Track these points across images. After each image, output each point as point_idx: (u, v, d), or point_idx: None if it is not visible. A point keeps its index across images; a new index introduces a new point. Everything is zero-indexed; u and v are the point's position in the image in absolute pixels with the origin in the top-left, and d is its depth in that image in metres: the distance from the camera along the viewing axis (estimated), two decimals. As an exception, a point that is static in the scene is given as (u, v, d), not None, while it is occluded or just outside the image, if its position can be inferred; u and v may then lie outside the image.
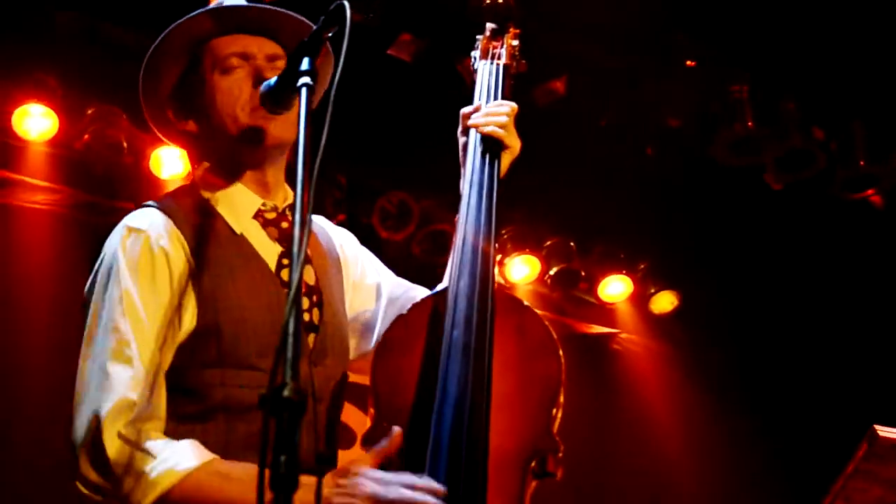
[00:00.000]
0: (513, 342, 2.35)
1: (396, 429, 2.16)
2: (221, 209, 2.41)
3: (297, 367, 1.61)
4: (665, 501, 6.17)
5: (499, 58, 2.81)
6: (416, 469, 2.11)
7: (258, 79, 2.35)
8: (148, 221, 2.32)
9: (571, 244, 6.36)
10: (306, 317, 2.37)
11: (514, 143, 2.60)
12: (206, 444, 2.17)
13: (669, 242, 6.31)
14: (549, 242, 6.31)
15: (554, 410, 2.28)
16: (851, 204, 5.86)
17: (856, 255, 6.11)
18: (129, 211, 5.18)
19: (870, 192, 5.81)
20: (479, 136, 2.58)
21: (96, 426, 2.12)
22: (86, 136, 5.38)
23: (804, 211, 5.98)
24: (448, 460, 2.10)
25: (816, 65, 5.37)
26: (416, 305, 2.43)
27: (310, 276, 2.42)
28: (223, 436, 2.21)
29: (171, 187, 5.53)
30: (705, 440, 6.26)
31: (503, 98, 2.70)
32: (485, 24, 2.91)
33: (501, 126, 2.58)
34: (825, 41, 5.18)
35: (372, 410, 2.28)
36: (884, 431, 3.69)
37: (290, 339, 1.61)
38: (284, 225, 2.43)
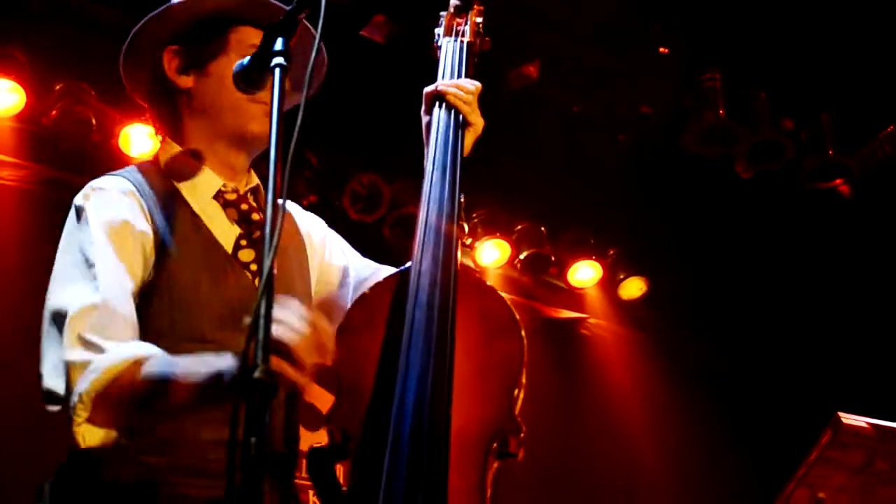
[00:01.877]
0: (475, 323, 2.33)
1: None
2: (182, 187, 2.44)
3: (267, 350, 1.61)
4: (631, 485, 6.22)
5: (463, 35, 2.79)
6: (378, 449, 2.11)
7: None
8: (112, 184, 2.37)
9: (542, 229, 6.38)
10: None
11: (478, 122, 2.60)
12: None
13: (639, 229, 6.35)
14: (519, 227, 6.33)
15: (516, 392, 2.26)
16: (820, 193, 5.92)
17: (823, 245, 6.17)
18: None
19: (838, 181, 5.87)
20: (442, 114, 2.57)
21: (60, 338, 2.16)
22: (53, 112, 5.32)
23: (773, 200, 6.02)
24: (410, 441, 2.10)
25: (786, 56, 5.41)
26: (378, 285, 2.42)
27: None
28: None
29: (138, 165, 5.54)
30: (672, 425, 6.31)
31: (467, 76, 2.69)
32: (449, 1, 2.87)
33: (466, 102, 2.58)
34: (795, 32, 5.23)
35: (335, 390, 2.27)
36: (847, 419, 3.73)
37: (262, 322, 1.61)
38: (244, 207, 2.47)
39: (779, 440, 4.97)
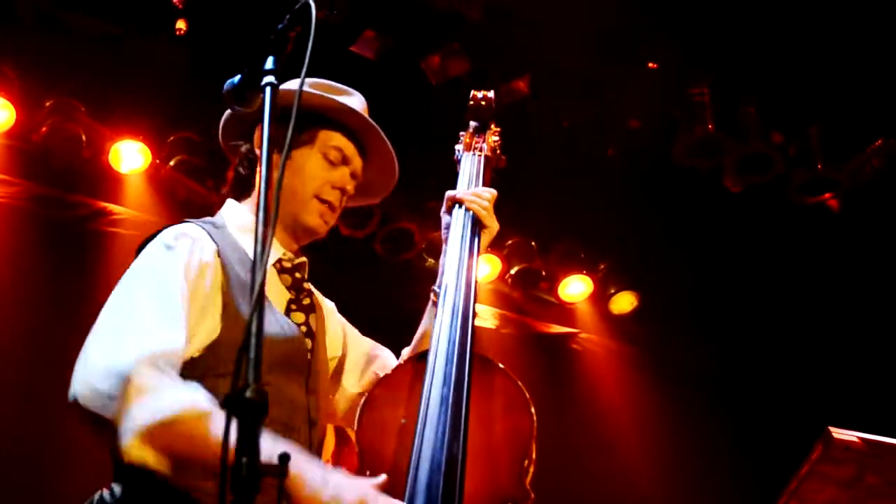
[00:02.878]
0: (488, 399, 2.52)
1: (383, 477, 2.27)
2: (248, 250, 2.57)
3: (258, 369, 1.62)
4: (624, 499, 6.20)
5: (481, 150, 3.09)
6: None
7: (342, 188, 2.73)
8: (198, 234, 2.50)
9: (532, 244, 6.40)
10: (308, 356, 2.58)
11: (493, 225, 2.88)
12: None
13: (629, 243, 6.36)
14: (510, 242, 6.35)
15: (525, 462, 2.44)
16: (809, 207, 5.94)
17: (813, 258, 6.18)
18: (88, 205, 5.14)
19: (827, 195, 5.89)
20: (462, 215, 2.84)
21: (125, 350, 2.18)
22: (44, 129, 5.34)
23: (763, 213, 6.04)
24: None
25: (776, 69, 5.43)
26: (399, 366, 2.66)
27: (314, 323, 2.65)
28: None
29: (130, 182, 5.53)
30: (664, 439, 6.31)
31: (484, 186, 2.98)
32: (468, 122, 3.19)
33: (484, 208, 2.84)
34: (785, 46, 5.25)
35: (356, 461, 2.41)
36: (838, 433, 3.73)
37: (253, 340, 1.62)
38: (298, 275, 2.71)
39: (770, 454, 4.96)
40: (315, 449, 2.50)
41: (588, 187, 5.83)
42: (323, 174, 2.70)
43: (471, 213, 2.84)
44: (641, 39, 5.36)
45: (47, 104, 5.34)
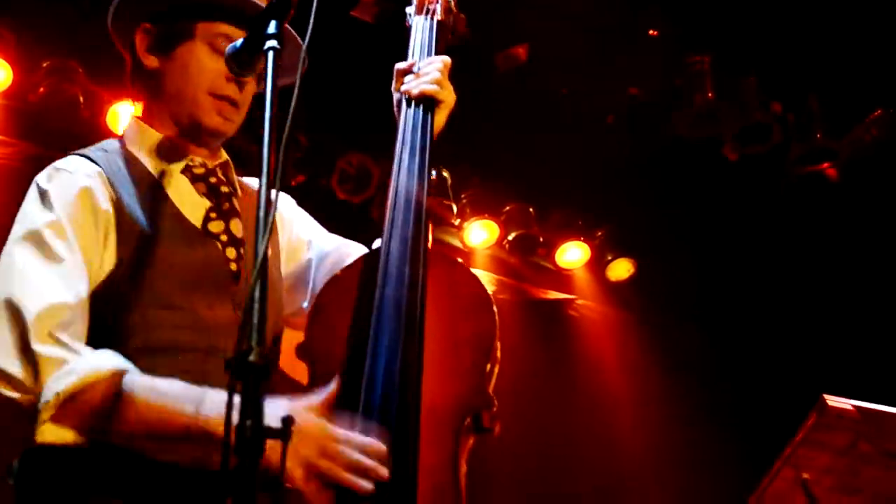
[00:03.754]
0: (445, 300, 2.33)
1: (335, 381, 2.11)
2: (150, 163, 2.45)
3: (263, 333, 1.62)
4: (616, 463, 6.24)
5: (434, 14, 2.79)
6: (347, 426, 2.09)
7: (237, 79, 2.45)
8: (75, 165, 2.35)
9: (530, 210, 6.40)
10: (233, 266, 2.40)
11: (449, 98, 2.61)
12: None
13: (627, 211, 6.36)
14: (508, 208, 6.34)
15: (488, 367, 2.27)
16: (807, 177, 5.94)
17: (810, 228, 6.19)
18: None
19: (825, 165, 5.89)
20: (410, 109, 2.58)
21: (22, 325, 2.12)
22: (41, 89, 5.30)
23: (761, 183, 6.04)
24: (379, 415, 2.10)
25: (776, 39, 5.42)
26: (347, 267, 2.43)
27: (237, 229, 2.46)
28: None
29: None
30: (658, 405, 6.34)
31: (437, 53, 2.70)
32: None
33: (435, 82, 2.59)
34: (786, 16, 5.23)
35: (308, 370, 2.29)
36: (833, 401, 3.77)
37: (256, 306, 1.62)
38: (213, 180, 2.49)
39: (766, 421, 4.97)
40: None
41: (587, 154, 5.82)
42: (212, 65, 2.44)
43: (421, 102, 2.57)
44: (642, 7, 5.34)
45: (45, 65, 5.30)
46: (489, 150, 5.80)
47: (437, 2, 2.81)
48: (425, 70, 2.62)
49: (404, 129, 2.55)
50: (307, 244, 2.69)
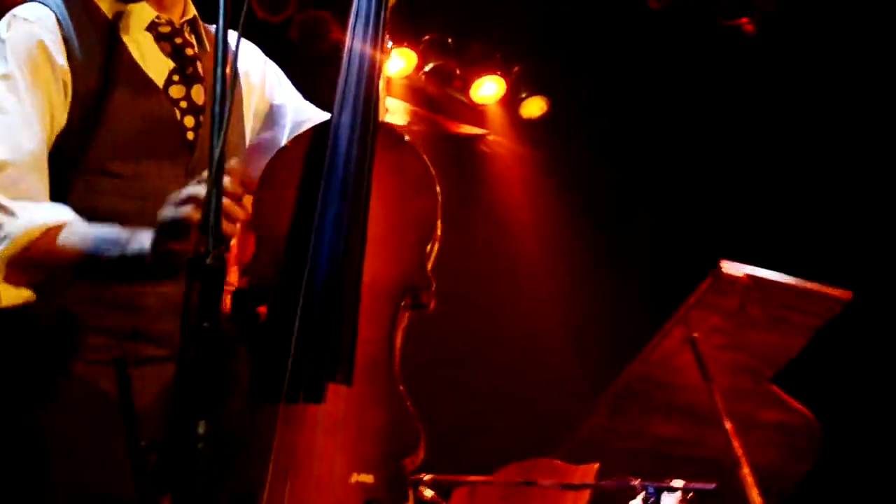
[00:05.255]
0: (391, 179, 2.35)
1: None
2: (113, 17, 2.36)
3: (219, 235, 1.69)
4: (517, 297, 6.39)
5: None
6: (293, 296, 2.20)
7: None
8: (36, 15, 2.29)
9: (449, 41, 6.33)
10: (190, 136, 2.35)
11: None
12: None
13: (545, 50, 6.33)
14: (426, 37, 6.27)
15: (428, 247, 2.33)
16: (725, 29, 5.97)
17: (723, 79, 6.24)
18: None
19: (744, 20, 5.93)
20: None
21: None
22: None
23: (679, 32, 6.06)
24: (323, 286, 2.19)
25: None
26: (298, 137, 2.44)
27: (198, 96, 2.39)
28: None
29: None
30: (561, 245, 6.45)
31: None
32: None
33: None
34: None
35: (252, 235, 2.32)
36: (727, 268, 3.93)
37: (212, 209, 1.70)
38: (178, 41, 2.41)
39: (662, 280, 5.12)
40: None
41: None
42: None
43: None
44: None
45: None
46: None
47: None
48: None
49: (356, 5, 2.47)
50: (279, 108, 2.63)
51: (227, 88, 1.80)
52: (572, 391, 5.37)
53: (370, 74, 2.38)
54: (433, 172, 2.39)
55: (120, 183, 2.24)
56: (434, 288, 2.29)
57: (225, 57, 1.84)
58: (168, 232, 1.98)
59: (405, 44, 6.16)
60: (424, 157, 2.42)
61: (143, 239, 2.04)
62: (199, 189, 1.95)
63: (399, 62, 6.22)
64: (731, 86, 6.18)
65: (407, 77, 6.31)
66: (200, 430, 1.61)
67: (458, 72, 6.42)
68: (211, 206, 1.70)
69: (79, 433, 2.16)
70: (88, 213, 2.21)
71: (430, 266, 2.33)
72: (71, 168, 2.25)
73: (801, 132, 6.14)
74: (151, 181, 2.27)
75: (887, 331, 5.69)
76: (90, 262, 2.12)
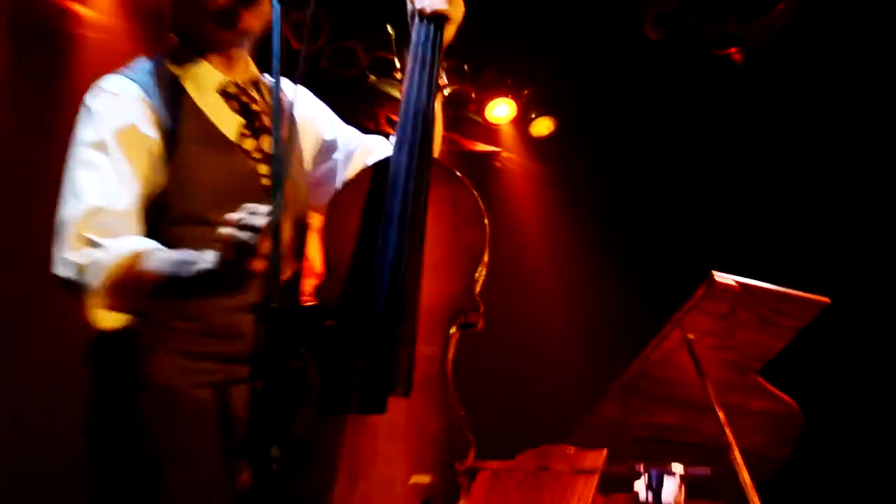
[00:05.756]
0: (444, 211, 2.41)
1: None
2: (186, 83, 2.46)
3: (277, 282, 1.79)
4: (526, 302, 6.47)
5: None
6: (357, 314, 2.27)
7: None
8: (122, 88, 2.39)
9: (465, 67, 6.46)
10: (265, 181, 2.43)
11: (457, 13, 2.55)
12: None
13: (553, 75, 6.42)
14: (445, 65, 6.35)
15: (477, 273, 2.38)
16: (716, 59, 6.06)
17: (716, 105, 6.32)
18: (54, 6, 4.86)
19: (733, 49, 6.01)
20: (419, 28, 2.56)
21: (70, 229, 2.26)
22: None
23: (676, 62, 6.14)
24: (384, 315, 2.24)
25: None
26: (363, 171, 2.49)
27: (267, 146, 2.48)
28: None
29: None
30: (566, 253, 6.54)
31: None
32: None
33: (445, 0, 2.52)
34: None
35: (322, 260, 2.38)
36: (719, 277, 4.03)
37: (273, 257, 1.82)
38: (244, 99, 2.51)
39: (661, 288, 5.12)
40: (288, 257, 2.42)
41: (518, 28, 5.82)
42: None
43: (429, 23, 2.53)
44: None
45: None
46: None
47: None
48: None
49: (416, 44, 2.52)
50: (332, 143, 2.71)
51: (283, 147, 1.92)
52: (582, 387, 5.38)
53: (426, 116, 2.43)
54: (482, 205, 2.45)
55: (210, 231, 2.27)
56: (482, 310, 2.35)
57: (279, 123, 1.98)
58: (235, 250, 2.06)
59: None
60: (474, 191, 2.48)
61: (210, 257, 2.14)
62: (252, 218, 2.04)
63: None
64: (721, 109, 6.26)
65: (428, 98, 6.41)
66: (273, 453, 1.69)
67: (473, 95, 6.51)
68: (276, 254, 1.78)
69: (188, 443, 2.29)
70: None
71: (478, 289, 2.38)
72: (168, 219, 2.35)
73: (782, 154, 6.22)
74: None
75: (860, 332, 5.77)
76: (173, 281, 2.22)
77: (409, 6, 2.61)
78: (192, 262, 2.19)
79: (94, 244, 2.24)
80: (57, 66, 5.24)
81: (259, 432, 1.71)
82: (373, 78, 6.32)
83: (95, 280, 2.21)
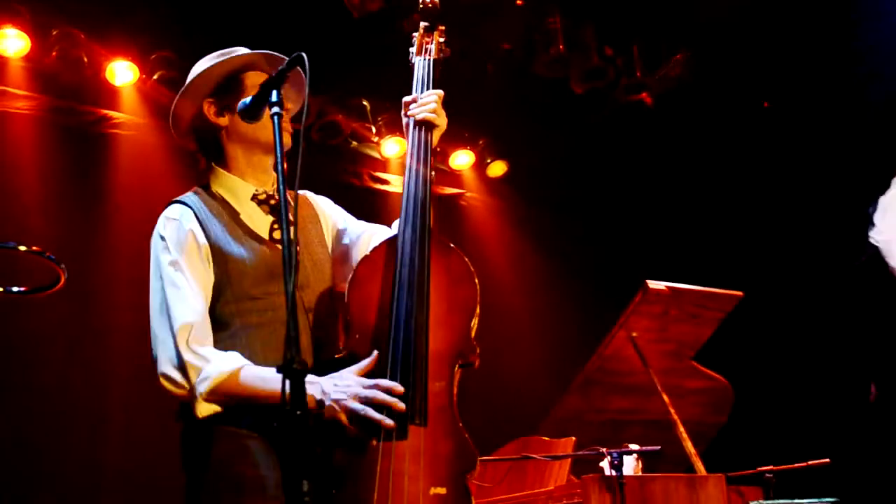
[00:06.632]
0: (444, 276, 2.51)
1: (375, 353, 2.38)
2: (228, 197, 2.61)
3: (298, 348, 1.85)
4: (497, 312, 6.44)
5: (429, 53, 2.85)
6: (380, 367, 2.38)
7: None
8: (179, 213, 2.53)
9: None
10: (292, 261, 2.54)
11: (442, 122, 2.71)
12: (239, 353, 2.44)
13: (503, 126, 6.47)
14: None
15: (472, 322, 2.47)
16: (630, 104, 6.14)
17: (633, 141, 6.41)
18: (93, 112, 5.10)
19: (644, 95, 6.09)
20: (413, 130, 2.68)
21: (173, 342, 2.37)
22: (53, 53, 5.19)
23: (599, 108, 6.22)
24: (402, 362, 2.37)
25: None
26: (376, 248, 2.58)
27: (293, 233, 2.56)
28: (248, 346, 2.45)
29: (124, 93, 5.41)
30: (526, 271, 6.57)
31: (433, 86, 2.77)
32: (419, 23, 2.93)
33: (432, 112, 2.67)
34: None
35: (349, 323, 2.46)
36: (653, 284, 4.10)
37: (293, 332, 1.85)
38: (273, 202, 2.62)
39: (607, 296, 5.14)
40: (319, 326, 2.53)
41: (474, 91, 5.86)
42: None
43: (423, 126, 2.65)
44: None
45: (54, 33, 5.18)
46: (401, 86, 5.83)
47: (432, 42, 2.86)
48: (425, 101, 2.69)
49: (412, 145, 2.65)
50: (344, 231, 2.81)
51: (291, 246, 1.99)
52: (546, 384, 5.42)
53: (423, 199, 2.55)
54: (473, 269, 2.53)
55: (257, 302, 2.47)
56: (478, 351, 2.44)
57: (289, 231, 2.04)
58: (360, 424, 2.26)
59: (398, 133, 6.29)
60: (466, 258, 2.57)
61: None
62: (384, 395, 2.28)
63: (395, 147, 6.37)
64: (636, 143, 6.35)
65: (401, 157, 6.44)
66: (304, 488, 1.73)
67: (438, 149, 6.49)
68: (293, 324, 1.83)
69: (265, 478, 2.35)
70: (241, 326, 2.47)
71: (473, 335, 2.46)
72: (225, 302, 2.48)
73: (693, 177, 6.32)
74: (274, 298, 2.47)
75: (769, 319, 5.84)
76: (265, 398, 2.33)
77: (405, 119, 2.74)
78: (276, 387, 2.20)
79: (196, 355, 2.37)
80: (97, 160, 5.34)
81: (290, 470, 1.75)
82: (354, 144, 6.32)
83: (202, 388, 2.35)
